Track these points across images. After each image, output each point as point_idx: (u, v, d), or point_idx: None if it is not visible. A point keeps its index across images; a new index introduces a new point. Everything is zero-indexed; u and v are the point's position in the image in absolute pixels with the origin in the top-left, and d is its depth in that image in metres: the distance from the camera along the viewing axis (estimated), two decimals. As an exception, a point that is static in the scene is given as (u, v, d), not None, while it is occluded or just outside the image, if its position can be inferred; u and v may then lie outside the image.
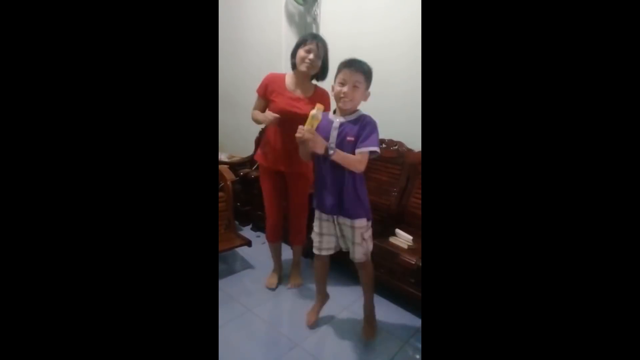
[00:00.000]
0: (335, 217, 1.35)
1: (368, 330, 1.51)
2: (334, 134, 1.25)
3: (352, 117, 1.25)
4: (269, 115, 1.52)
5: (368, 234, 1.36)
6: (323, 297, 1.60)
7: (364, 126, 1.21)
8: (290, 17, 2.53)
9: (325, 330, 1.55)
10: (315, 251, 1.45)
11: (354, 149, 1.21)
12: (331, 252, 1.44)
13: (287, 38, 2.58)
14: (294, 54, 1.55)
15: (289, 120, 1.44)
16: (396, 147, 2.03)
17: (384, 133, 2.08)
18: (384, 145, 2.09)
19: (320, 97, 1.56)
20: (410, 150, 1.99)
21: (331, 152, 1.18)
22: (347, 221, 1.32)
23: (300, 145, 1.26)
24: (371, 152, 1.21)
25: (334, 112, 1.31)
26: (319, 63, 1.54)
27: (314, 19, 2.37)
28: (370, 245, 1.39)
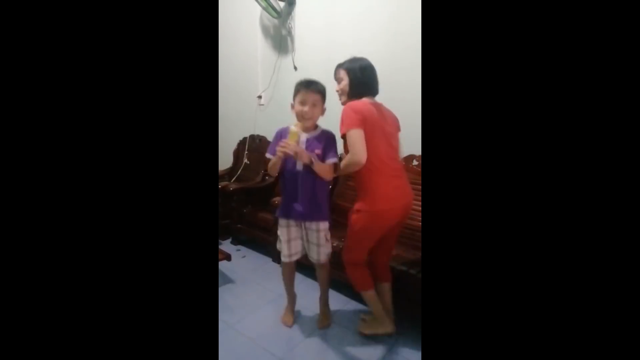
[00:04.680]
0: (303, 222, 1.48)
1: (323, 320, 1.63)
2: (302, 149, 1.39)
3: (316, 133, 1.42)
4: None
5: (329, 235, 1.52)
6: (293, 298, 1.69)
7: (327, 140, 1.41)
8: (265, 30, 2.56)
9: (309, 342, 1.53)
10: (285, 259, 1.55)
11: (320, 161, 1.38)
12: (298, 256, 1.55)
13: (263, 51, 2.60)
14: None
15: None
16: (373, 155, 2.06)
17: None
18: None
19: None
20: (387, 158, 2.03)
21: (315, 160, 1.34)
22: (314, 225, 1.47)
23: (276, 160, 1.37)
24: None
25: (295, 126, 1.41)
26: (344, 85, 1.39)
27: (289, 32, 2.41)
28: (330, 247, 1.53)
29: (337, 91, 1.43)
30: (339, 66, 1.43)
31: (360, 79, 1.37)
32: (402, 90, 1.89)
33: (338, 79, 1.42)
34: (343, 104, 1.38)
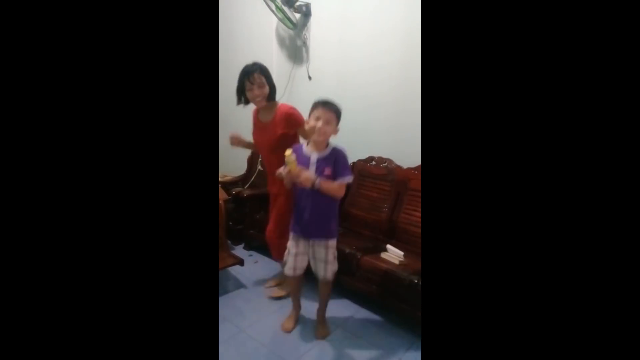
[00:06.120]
0: (310, 239, 1.50)
1: (321, 330, 1.64)
2: (312, 169, 1.39)
3: (326, 152, 1.41)
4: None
5: (336, 252, 1.54)
6: (298, 307, 1.73)
7: (337, 160, 1.39)
8: (280, 40, 2.63)
9: (319, 349, 1.54)
10: (289, 272, 1.56)
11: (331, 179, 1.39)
12: (301, 271, 1.56)
13: (278, 61, 2.66)
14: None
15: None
16: (385, 164, 2.08)
17: (373, 151, 2.15)
18: (373, 163, 2.14)
19: (283, 116, 1.62)
20: (399, 167, 2.04)
21: (317, 184, 1.35)
22: (323, 242, 1.48)
23: (286, 179, 1.41)
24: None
25: (308, 144, 1.44)
26: (266, 90, 1.61)
27: (304, 43, 2.46)
28: (336, 264, 1.55)
29: (257, 96, 1.59)
30: (253, 71, 1.57)
31: (272, 83, 1.62)
32: (418, 101, 1.91)
33: (259, 84, 1.58)
34: (260, 107, 1.67)
